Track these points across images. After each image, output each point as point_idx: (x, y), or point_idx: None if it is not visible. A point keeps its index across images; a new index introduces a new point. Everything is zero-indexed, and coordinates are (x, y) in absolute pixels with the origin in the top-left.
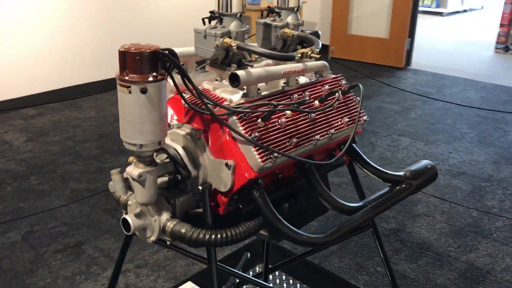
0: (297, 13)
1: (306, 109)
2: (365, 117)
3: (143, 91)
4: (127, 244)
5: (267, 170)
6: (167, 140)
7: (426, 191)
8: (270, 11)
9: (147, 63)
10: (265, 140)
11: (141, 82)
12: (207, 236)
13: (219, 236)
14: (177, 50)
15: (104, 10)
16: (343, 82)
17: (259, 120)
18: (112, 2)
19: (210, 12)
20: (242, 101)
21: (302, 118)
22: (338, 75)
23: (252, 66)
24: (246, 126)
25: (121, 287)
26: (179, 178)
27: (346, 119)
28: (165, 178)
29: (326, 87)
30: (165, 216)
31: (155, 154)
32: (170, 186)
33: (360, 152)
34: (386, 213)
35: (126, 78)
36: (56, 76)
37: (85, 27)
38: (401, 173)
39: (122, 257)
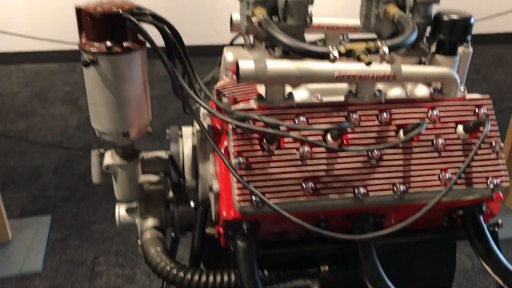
0: None
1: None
2: (498, 180)
3: (85, 63)
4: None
5: (257, 215)
6: (188, 132)
7: None
8: None
9: (99, 28)
10: (258, 172)
11: (89, 52)
12: (169, 271)
13: (186, 276)
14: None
15: None
16: (484, 110)
17: (264, 140)
18: None
19: None
20: (253, 106)
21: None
22: (481, 97)
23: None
24: (238, 143)
25: None
26: (169, 182)
27: (448, 174)
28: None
29: (436, 112)
30: (149, 223)
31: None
32: (176, 190)
33: (485, 230)
34: None
35: (79, 42)
36: None
37: None
38: None
39: None
